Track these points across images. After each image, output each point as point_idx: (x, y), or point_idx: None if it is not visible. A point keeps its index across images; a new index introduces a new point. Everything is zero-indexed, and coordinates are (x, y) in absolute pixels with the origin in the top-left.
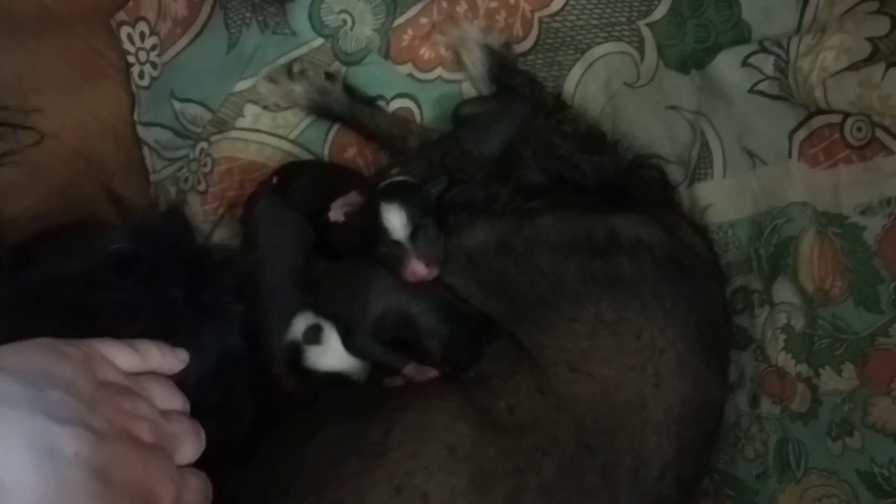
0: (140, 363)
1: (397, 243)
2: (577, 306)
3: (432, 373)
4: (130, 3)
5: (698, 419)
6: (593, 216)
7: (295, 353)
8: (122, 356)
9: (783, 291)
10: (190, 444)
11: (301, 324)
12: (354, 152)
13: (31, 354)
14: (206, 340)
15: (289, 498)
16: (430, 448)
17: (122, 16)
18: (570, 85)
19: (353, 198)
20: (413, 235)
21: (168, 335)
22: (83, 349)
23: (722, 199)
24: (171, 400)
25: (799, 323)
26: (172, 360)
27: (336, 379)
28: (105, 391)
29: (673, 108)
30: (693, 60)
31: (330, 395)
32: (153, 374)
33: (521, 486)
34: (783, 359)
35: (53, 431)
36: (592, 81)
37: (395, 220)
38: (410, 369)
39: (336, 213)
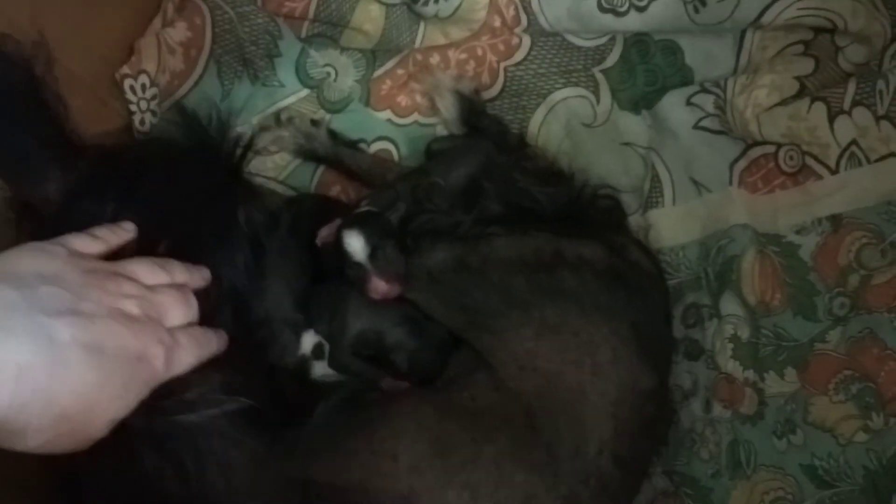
0: (165, 277)
1: (358, 264)
2: (524, 313)
3: (404, 385)
4: (133, 58)
5: (633, 404)
6: (542, 238)
7: (303, 366)
8: (144, 272)
9: (729, 305)
10: (177, 309)
11: (308, 341)
12: (339, 190)
13: (21, 259)
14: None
15: (300, 461)
16: (401, 422)
17: (125, 69)
18: (534, 126)
19: (336, 225)
20: (373, 256)
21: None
22: (64, 245)
23: (672, 225)
24: (156, 276)
25: (744, 333)
26: (196, 275)
27: (335, 386)
28: (91, 277)
29: (627, 144)
30: (643, 101)
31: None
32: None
33: (476, 453)
34: (731, 366)
35: (50, 324)
36: (554, 122)
37: (355, 244)
38: (386, 382)
39: (320, 239)
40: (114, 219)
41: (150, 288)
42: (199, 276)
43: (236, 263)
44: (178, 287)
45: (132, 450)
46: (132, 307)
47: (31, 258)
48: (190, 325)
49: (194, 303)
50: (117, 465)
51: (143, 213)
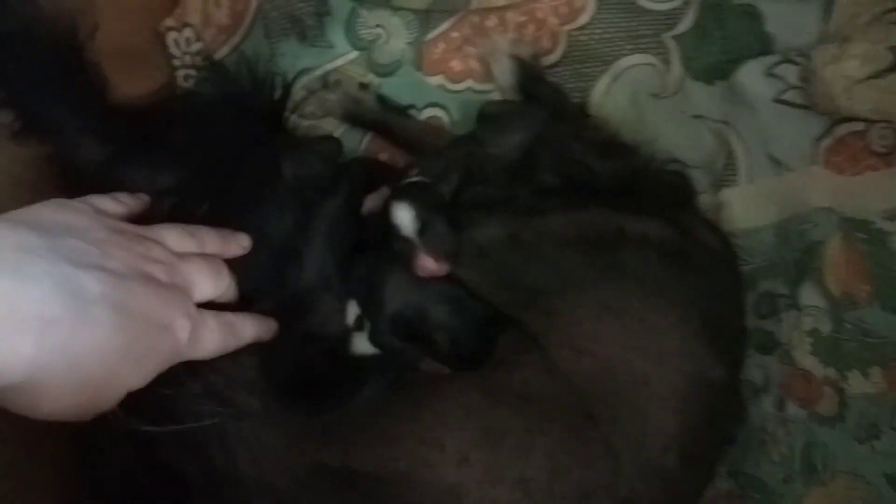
0: (194, 245)
1: (406, 239)
2: (581, 293)
3: (445, 371)
4: (177, 10)
5: (702, 397)
6: (603, 213)
7: (344, 338)
8: (173, 239)
9: (809, 295)
10: (206, 282)
11: (353, 311)
12: (386, 158)
13: (45, 210)
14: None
15: (338, 446)
16: (448, 407)
17: (169, 22)
18: (596, 96)
19: (383, 193)
20: (422, 231)
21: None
22: (89, 203)
23: (747, 205)
24: (185, 243)
25: (826, 326)
26: (232, 243)
27: (375, 364)
28: (118, 236)
29: (698, 117)
30: (718, 71)
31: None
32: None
33: (528, 444)
34: (810, 362)
35: (76, 275)
36: (619, 92)
37: (404, 217)
38: (426, 365)
39: (366, 206)
40: (149, 184)
41: (178, 255)
42: (235, 245)
43: (284, 222)
44: (208, 258)
45: (151, 439)
46: (159, 272)
47: (55, 211)
48: (223, 306)
49: (226, 275)
50: (135, 454)
51: (179, 174)
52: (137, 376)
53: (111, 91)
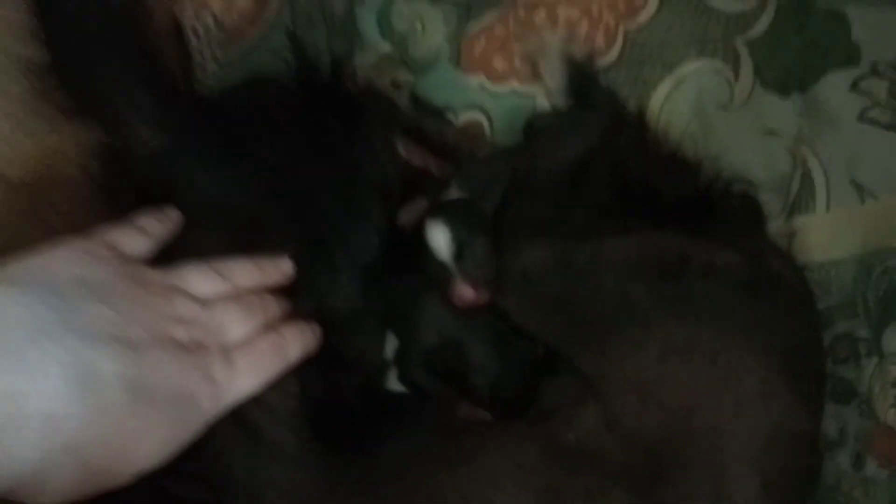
0: (224, 286)
1: (442, 264)
2: (644, 330)
3: (485, 415)
4: None
5: (786, 452)
6: (665, 237)
7: (382, 372)
8: (201, 283)
9: (895, 341)
10: (238, 327)
11: (392, 342)
12: (420, 164)
13: (60, 263)
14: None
15: (371, 495)
16: (498, 462)
17: (186, 7)
18: (655, 103)
19: (419, 206)
20: (459, 255)
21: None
22: (111, 245)
23: (825, 235)
24: (215, 285)
25: None
26: (271, 272)
27: (414, 404)
28: (142, 291)
29: (770, 133)
30: (795, 82)
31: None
32: None
33: None
34: (894, 416)
35: (91, 355)
36: (681, 100)
37: (440, 240)
38: (463, 409)
39: (401, 219)
40: (213, 192)
41: (205, 303)
42: (276, 273)
43: (369, 236)
44: (240, 297)
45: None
46: (182, 333)
47: (71, 262)
48: (260, 333)
49: (259, 310)
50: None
51: (253, 183)
52: (156, 459)
53: (170, 77)
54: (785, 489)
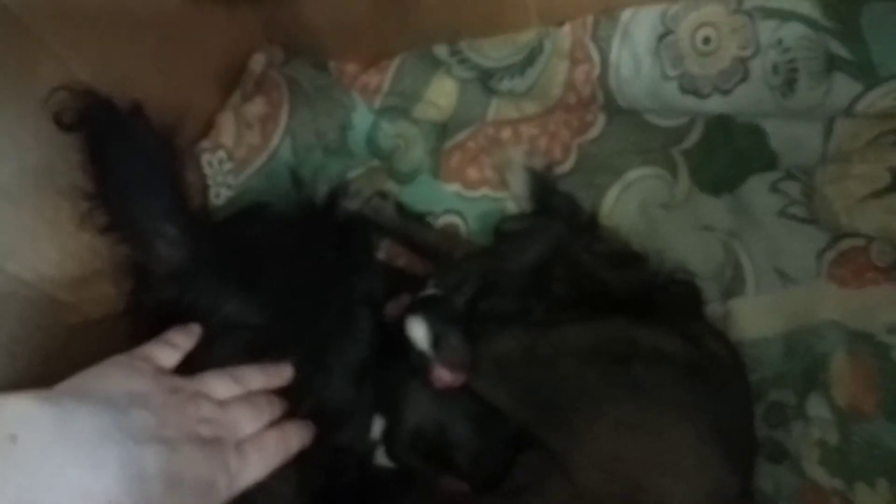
0: (238, 389)
1: (421, 353)
2: (598, 409)
3: (464, 487)
4: (212, 133)
5: None
6: (615, 326)
7: (370, 452)
8: (220, 387)
9: (816, 407)
10: (249, 423)
11: (378, 425)
12: (404, 263)
13: (112, 378)
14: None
15: None
16: None
17: (204, 144)
18: (607, 205)
19: (403, 302)
20: (436, 344)
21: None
22: (148, 360)
23: (755, 316)
24: (231, 390)
25: (833, 438)
26: (275, 377)
27: (399, 483)
28: (174, 399)
29: (706, 228)
30: (725, 184)
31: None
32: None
33: None
34: (818, 473)
35: (139, 454)
36: (629, 202)
37: (418, 331)
38: (444, 482)
39: (387, 314)
40: (231, 314)
41: (222, 404)
42: (277, 377)
43: (361, 346)
44: (250, 398)
45: None
46: (206, 430)
47: (120, 376)
48: (266, 428)
49: (266, 409)
50: None
51: (267, 310)
52: None
53: (190, 208)
54: None
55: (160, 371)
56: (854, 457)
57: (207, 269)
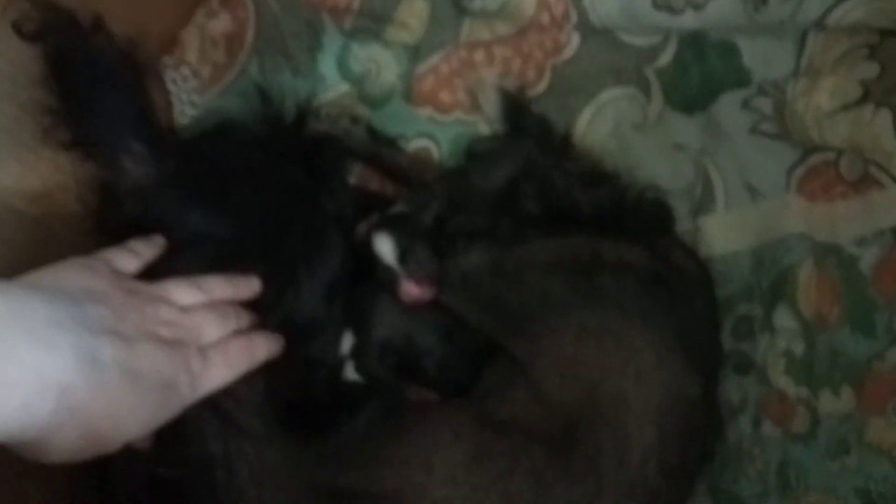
0: (202, 297)
1: (388, 267)
2: (562, 318)
3: (433, 396)
4: (176, 49)
5: (678, 410)
6: (581, 240)
7: (339, 366)
8: (181, 293)
9: (783, 318)
10: (212, 330)
11: (348, 340)
12: (376, 188)
13: (69, 275)
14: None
15: (330, 468)
16: (436, 429)
17: (167, 60)
18: (580, 127)
19: (374, 219)
20: (403, 259)
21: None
22: (106, 262)
23: (724, 231)
24: (193, 296)
25: (799, 348)
26: (242, 288)
27: (367, 391)
28: (132, 299)
29: (678, 147)
30: (697, 103)
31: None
32: None
33: (513, 465)
34: (784, 382)
35: (94, 343)
36: (602, 123)
37: (385, 246)
38: (413, 392)
39: (357, 234)
40: (197, 227)
41: (185, 309)
42: (246, 289)
43: (332, 263)
44: (216, 306)
45: (159, 457)
46: (166, 331)
47: (77, 274)
48: (232, 336)
49: (232, 317)
50: (142, 470)
51: (234, 224)
52: (142, 428)
53: (157, 123)
54: (680, 442)
55: (118, 274)
56: (819, 366)
57: (174, 184)
